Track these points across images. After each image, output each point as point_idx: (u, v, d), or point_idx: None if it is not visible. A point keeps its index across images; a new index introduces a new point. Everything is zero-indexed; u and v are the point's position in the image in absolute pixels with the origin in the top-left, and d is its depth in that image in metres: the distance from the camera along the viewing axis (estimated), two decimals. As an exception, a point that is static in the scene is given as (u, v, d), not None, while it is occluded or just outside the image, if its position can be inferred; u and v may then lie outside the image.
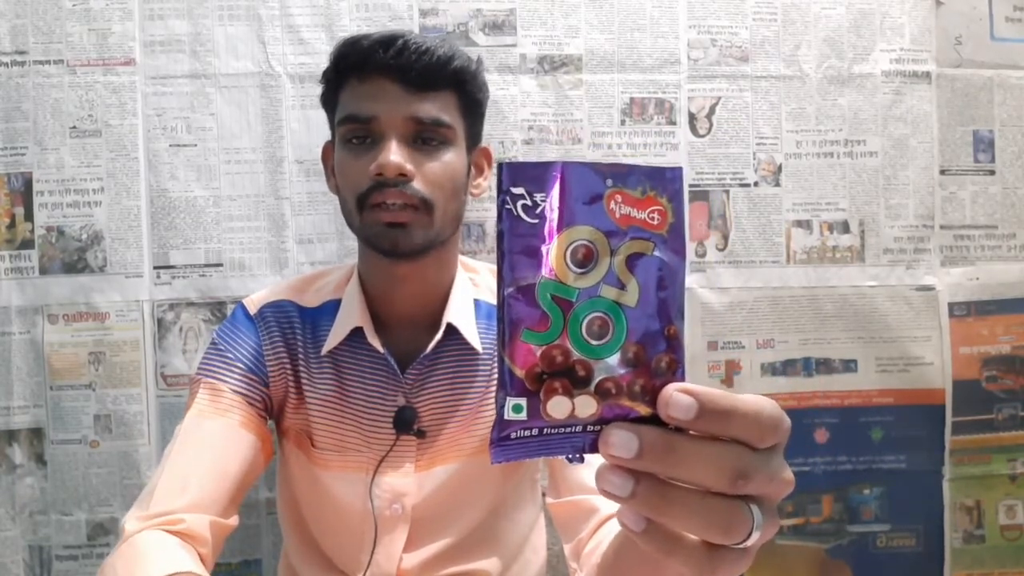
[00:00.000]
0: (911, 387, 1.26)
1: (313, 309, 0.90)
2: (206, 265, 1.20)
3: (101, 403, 1.18)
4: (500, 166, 0.29)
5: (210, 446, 0.79)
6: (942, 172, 1.28)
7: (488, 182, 0.94)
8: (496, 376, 0.30)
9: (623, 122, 1.24)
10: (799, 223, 1.26)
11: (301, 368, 0.87)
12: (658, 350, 0.30)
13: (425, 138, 0.80)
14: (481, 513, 0.87)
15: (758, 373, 1.24)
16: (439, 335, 0.84)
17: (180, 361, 1.19)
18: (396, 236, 0.79)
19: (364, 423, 0.85)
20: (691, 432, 0.30)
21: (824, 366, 1.26)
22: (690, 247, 1.25)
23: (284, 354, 0.88)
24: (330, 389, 0.87)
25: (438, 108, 0.80)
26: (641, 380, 0.30)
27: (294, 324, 0.89)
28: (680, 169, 0.30)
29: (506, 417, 0.29)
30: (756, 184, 1.26)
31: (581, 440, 0.30)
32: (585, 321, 0.29)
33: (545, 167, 0.29)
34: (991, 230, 1.29)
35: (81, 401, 1.18)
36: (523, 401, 0.29)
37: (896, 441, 1.26)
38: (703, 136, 1.26)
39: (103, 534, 1.17)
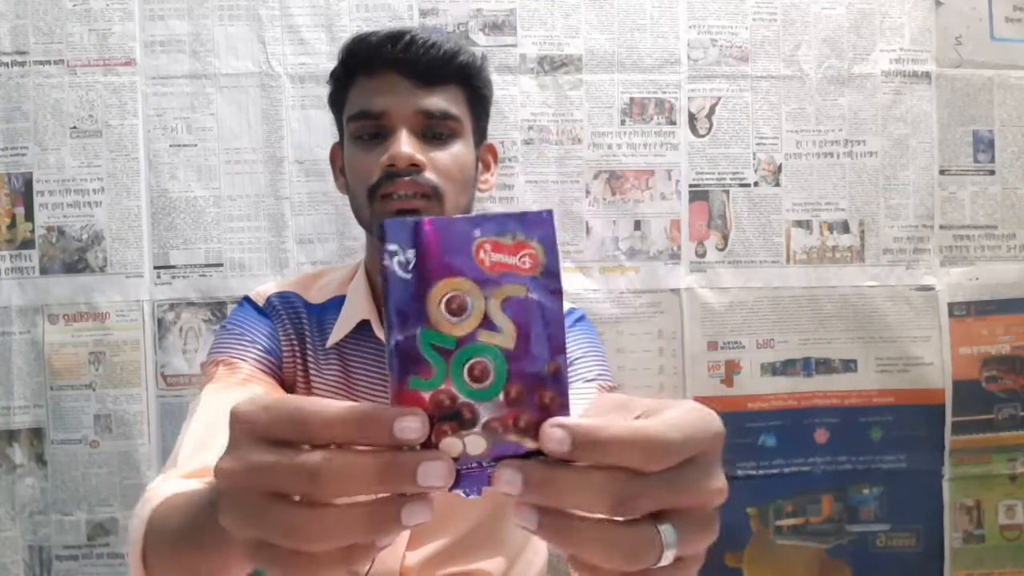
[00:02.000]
0: (911, 387, 1.26)
1: (318, 305, 0.90)
2: (206, 265, 1.20)
3: (101, 403, 1.18)
4: (379, 225, 0.32)
5: None
6: (942, 172, 1.28)
7: (495, 178, 0.94)
8: None
9: (623, 122, 1.25)
10: (799, 223, 1.27)
11: (309, 358, 0.87)
12: (540, 387, 0.32)
13: (434, 131, 0.80)
14: (484, 512, 0.87)
15: (758, 373, 1.24)
16: None
17: (180, 361, 1.19)
18: None
19: None
20: (578, 463, 0.31)
21: (824, 366, 1.26)
22: (690, 247, 1.25)
23: (295, 340, 0.88)
24: (336, 382, 0.87)
25: (446, 101, 0.81)
26: (525, 416, 0.31)
27: (301, 315, 0.89)
28: (550, 212, 0.32)
29: None
30: (756, 184, 1.26)
31: (479, 475, 0.32)
32: (466, 366, 0.31)
33: (414, 224, 0.31)
34: (991, 230, 1.29)
35: (81, 401, 1.18)
36: (417, 445, 0.31)
37: (896, 441, 1.26)
38: (703, 136, 1.26)
39: (103, 534, 1.17)
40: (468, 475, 0.32)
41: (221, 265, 1.20)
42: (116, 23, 1.19)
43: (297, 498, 0.32)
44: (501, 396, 0.31)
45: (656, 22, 1.25)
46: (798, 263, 1.26)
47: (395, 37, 0.79)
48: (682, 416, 0.32)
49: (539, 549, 0.98)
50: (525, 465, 0.31)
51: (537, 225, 0.32)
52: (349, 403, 0.32)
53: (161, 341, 1.19)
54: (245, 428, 0.33)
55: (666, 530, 0.32)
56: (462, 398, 0.31)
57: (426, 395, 0.31)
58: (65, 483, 1.17)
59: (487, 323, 0.31)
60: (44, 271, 1.18)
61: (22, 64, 1.18)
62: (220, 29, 1.20)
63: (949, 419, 1.26)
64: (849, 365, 1.26)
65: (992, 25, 1.29)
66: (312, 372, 0.87)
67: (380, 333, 0.85)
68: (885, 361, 1.26)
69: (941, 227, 1.28)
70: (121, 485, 1.17)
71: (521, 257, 0.31)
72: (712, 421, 0.33)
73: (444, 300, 0.31)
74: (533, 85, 1.23)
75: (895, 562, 1.26)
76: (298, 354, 0.87)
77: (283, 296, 0.90)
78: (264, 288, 0.92)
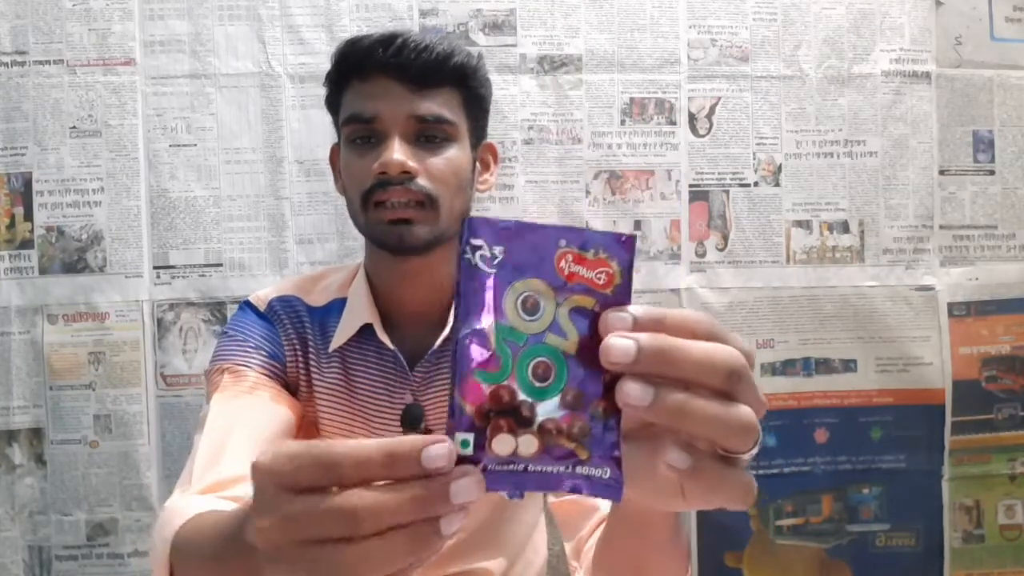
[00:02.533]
0: (911, 387, 1.26)
1: (320, 308, 0.89)
2: (206, 265, 1.20)
3: (101, 403, 1.18)
4: (464, 221, 0.33)
5: (247, 420, 0.77)
6: (942, 172, 1.28)
7: (495, 177, 0.94)
8: None
9: (623, 122, 1.24)
10: (799, 223, 1.27)
11: (312, 362, 0.87)
12: (595, 396, 0.33)
13: (428, 136, 0.80)
14: (485, 512, 0.87)
15: (758, 373, 1.24)
16: (447, 330, 0.84)
17: (180, 361, 1.19)
18: (401, 232, 0.79)
19: (372, 420, 0.85)
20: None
21: (824, 366, 1.26)
22: (690, 247, 1.25)
23: (298, 345, 0.87)
24: (338, 386, 0.87)
25: (439, 105, 0.80)
26: (579, 423, 0.32)
27: (303, 319, 0.88)
28: (633, 238, 0.34)
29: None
30: (756, 184, 1.26)
31: (521, 479, 0.32)
32: (531, 364, 0.32)
33: (505, 223, 0.33)
34: (991, 230, 1.29)
35: (81, 401, 1.18)
36: (470, 437, 0.31)
37: (896, 441, 1.26)
38: (703, 136, 1.26)
39: (103, 534, 1.17)
40: (513, 476, 0.32)
41: (221, 265, 1.20)
42: (116, 23, 1.19)
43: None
44: (559, 399, 0.32)
45: (656, 22, 1.25)
46: (798, 263, 1.26)
47: (387, 41, 0.79)
48: (717, 323, 0.35)
49: (539, 548, 0.98)
50: (641, 336, 0.31)
51: (622, 248, 0.33)
52: (373, 442, 0.32)
53: (161, 341, 1.19)
54: (272, 481, 0.33)
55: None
56: (521, 395, 0.32)
57: (488, 388, 0.32)
58: (65, 483, 1.17)
59: (555, 327, 0.32)
60: (44, 271, 1.18)
61: (22, 64, 1.18)
62: (220, 29, 1.20)
63: (949, 419, 1.26)
64: (849, 365, 1.26)
65: (992, 25, 1.29)
66: (314, 376, 0.87)
67: (383, 336, 0.85)
68: (885, 361, 1.26)
69: (941, 227, 1.28)
70: (121, 485, 1.17)
71: (598, 273, 0.33)
72: (743, 340, 0.35)
73: (521, 299, 0.32)
74: (533, 85, 1.23)
75: (895, 562, 1.26)
76: (300, 358, 0.87)
77: (284, 300, 0.90)
78: (264, 292, 0.92)
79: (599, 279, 0.33)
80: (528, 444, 0.32)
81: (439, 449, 0.31)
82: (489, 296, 0.32)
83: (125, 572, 1.17)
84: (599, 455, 0.32)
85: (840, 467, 1.26)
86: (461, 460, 0.31)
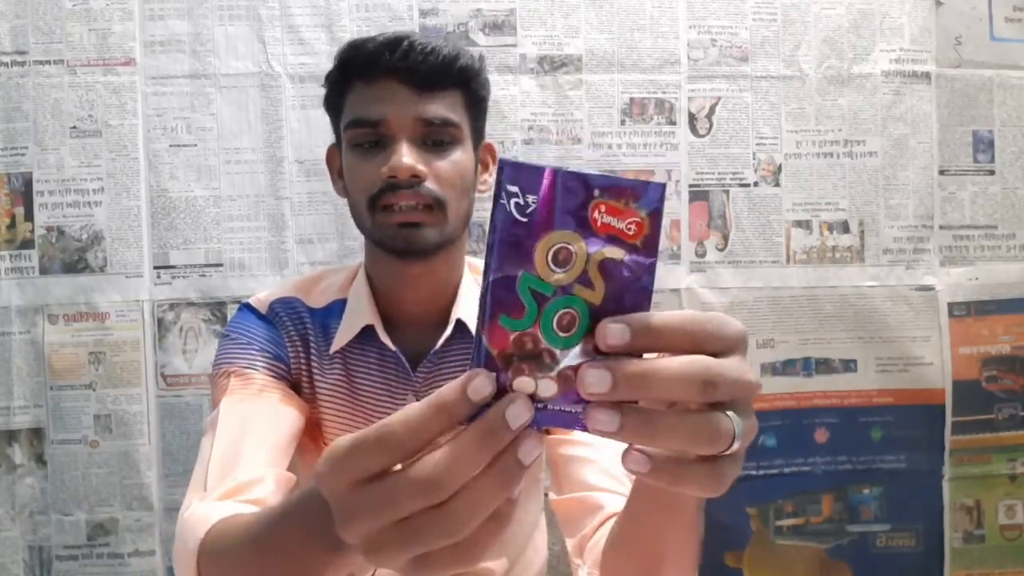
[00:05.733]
0: (911, 387, 1.26)
1: (321, 309, 0.89)
2: (206, 265, 1.20)
3: (101, 403, 1.18)
4: (501, 163, 0.33)
5: (258, 423, 0.77)
6: (942, 172, 1.28)
7: (493, 178, 0.94)
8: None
9: (623, 122, 1.25)
10: (799, 223, 1.27)
11: (314, 364, 0.87)
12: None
13: (435, 139, 0.80)
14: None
15: (758, 373, 1.24)
16: (448, 331, 0.84)
17: (180, 361, 1.19)
18: (409, 236, 0.79)
19: (374, 421, 0.85)
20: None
21: (824, 366, 1.26)
22: (690, 247, 1.25)
23: (300, 346, 0.87)
24: (340, 387, 0.86)
25: (446, 108, 0.80)
26: None
27: (304, 320, 0.88)
28: (663, 186, 0.34)
29: None
30: (756, 184, 1.26)
31: (538, 416, 0.33)
32: (557, 315, 0.33)
33: (540, 171, 0.32)
34: (991, 230, 1.29)
35: (81, 401, 1.18)
36: (492, 377, 0.32)
37: (896, 441, 1.26)
38: (703, 136, 1.26)
39: (103, 534, 1.17)
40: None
41: (221, 265, 1.20)
42: (116, 23, 1.19)
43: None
44: (579, 347, 0.33)
45: (656, 22, 1.25)
46: (798, 263, 1.26)
47: (393, 44, 0.78)
48: (710, 314, 0.36)
49: (540, 548, 0.98)
50: (611, 362, 0.32)
51: (652, 197, 0.33)
52: (419, 404, 0.33)
53: (161, 341, 1.19)
54: (343, 482, 0.34)
55: (734, 418, 0.34)
56: (545, 343, 0.32)
57: (512, 334, 0.32)
58: (65, 483, 1.17)
59: (583, 278, 0.33)
60: (44, 271, 1.18)
61: (22, 64, 1.18)
62: (220, 29, 1.20)
63: (949, 419, 1.26)
64: (849, 365, 1.26)
65: (992, 25, 1.29)
66: (316, 377, 0.87)
67: (384, 338, 0.85)
68: (885, 361, 1.26)
69: (941, 227, 1.28)
70: (121, 485, 1.17)
71: (628, 224, 0.33)
72: (734, 320, 0.36)
73: (552, 250, 0.32)
74: (533, 85, 1.23)
75: (895, 562, 1.26)
76: (303, 360, 0.87)
77: (285, 302, 0.90)
78: (264, 294, 0.92)
79: (629, 230, 0.33)
80: (547, 388, 0.33)
81: (481, 381, 0.32)
82: (522, 245, 0.32)
83: (125, 572, 1.18)
84: None
85: (840, 467, 1.26)
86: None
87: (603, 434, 0.32)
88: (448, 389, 0.32)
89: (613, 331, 0.32)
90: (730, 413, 0.34)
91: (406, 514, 0.32)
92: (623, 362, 0.32)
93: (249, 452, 0.73)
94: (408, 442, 0.32)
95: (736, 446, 0.34)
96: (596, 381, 0.32)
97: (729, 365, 0.34)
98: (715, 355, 0.34)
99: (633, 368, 0.32)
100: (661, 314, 0.34)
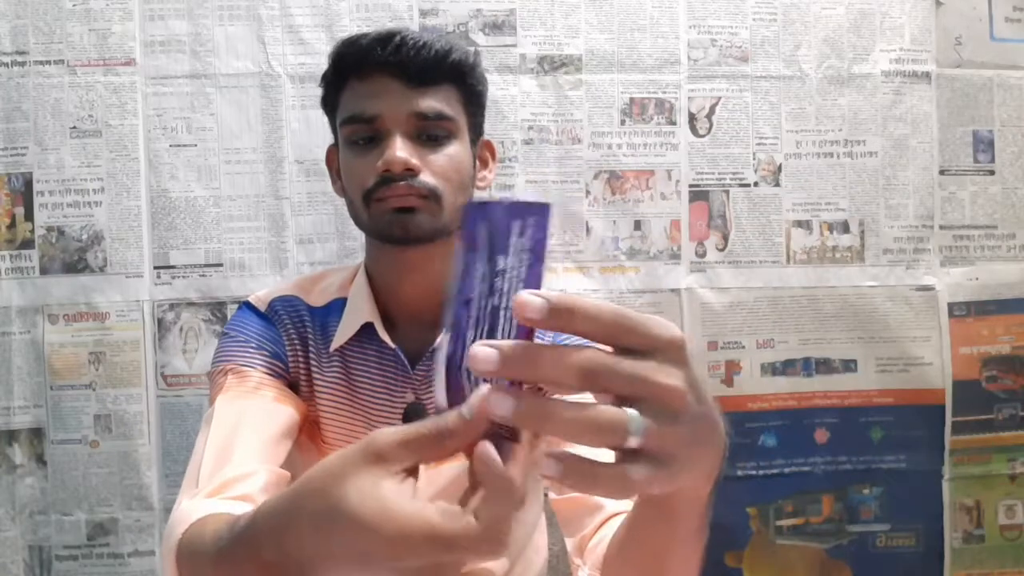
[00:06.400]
0: (911, 387, 1.26)
1: (320, 308, 0.89)
2: (206, 265, 1.20)
3: (101, 403, 1.18)
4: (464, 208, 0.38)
5: (252, 420, 0.77)
6: (942, 172, 1.28)
7: (493, 175, 0.94)
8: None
9: (623, 122, 1.25)
10: (799, 223, 1.27)
11: (313, 362, 0.87)
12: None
13: (429, 133, 0.80)
14: None
15: (758, 373, 1.24)
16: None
17: (180, 361, 1.19)
18: (406, 221, 0.79)
19: (373, 419, 0.86)
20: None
21: (824, 366, 1.26)
22: (690, 247, 1.25)
23: (299, 344, 0.87)
24: (339, 385, 0.87)
25: (440, 102, 0.80)
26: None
27: (304, 319, 0.88)
28: (548, 205, 0.37)
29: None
30: (756, 184, 1.26)
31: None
32: (485, 328, 0.38)
33: (478, 209, 0.38)
34: (991, 230, 1.29)
35: (81, 401, 1.18)
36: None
37: (896, 441, 1.26)
38: (703, 136, 1.26)
39: (103, 534, 1.17)
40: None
41: (221, 265, 1.20)
42: (116, 23, 1.19)
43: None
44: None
45: (656, 22, 1.25)
46: (798, 263, 1.26)
47: (385, 39, 0.79)
48: (642, 313, 0.37)
49: (540, 548, 0.98)
50: (503, 344, 0.35)
51: (540, 216, 0.37)
52: (457, 411, 0.37)
53: (161, 341, 1.19)
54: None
55: (632, 414, 0.35)
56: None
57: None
58: (65, 483, 1.17)
59: (507, 295, 0.38)
60: (44, 271, 1.18)
61: (22, 64, 1.18)
62: (220, 29, 1.20)
63: (949, 419, 1.26)
64: (849, 365, 1.26)
65: (992, 25, 1.29)
66: (315, 376, 0.87)
67: (384, 335, 0.85)
68: (885, 361, 1.26)
69: (941, 227, 1.28)
70: (121, 485, 1.17)
71: (536, 243, 0.38)
72: (671, 327, 0.37)
73: (480, 274, 0.38)
74: (533, 85, 1.23)
75: (895, 562, 1.26)
76: (301, 358, 0.87)
77: (285, 300, 0.90)
78: (264, 293, 0.92)
79: (536, 248, 0.37)
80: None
81: (485, 351, 0.35)
82: (465, 272, 0.37)
83: (125, 572, 1.18)
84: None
85: (840, 467, 1.26)
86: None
87: (502, 419, 0.34)
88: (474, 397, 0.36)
89: (532, 303, 0.34)
90: (628, 409, 0.35)
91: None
92: (512, 343, 0.35)
93: (241, 448, 0.73)
94: (461, 432, 0.36)
95: (632, 443, 0.35)
96: (484, 357, 0.34)
97: (630, 362, 0.35)
98: (633, 352, 0.35)
99: (519, 347, 0.35)
100: (581, 298, 0.36)
